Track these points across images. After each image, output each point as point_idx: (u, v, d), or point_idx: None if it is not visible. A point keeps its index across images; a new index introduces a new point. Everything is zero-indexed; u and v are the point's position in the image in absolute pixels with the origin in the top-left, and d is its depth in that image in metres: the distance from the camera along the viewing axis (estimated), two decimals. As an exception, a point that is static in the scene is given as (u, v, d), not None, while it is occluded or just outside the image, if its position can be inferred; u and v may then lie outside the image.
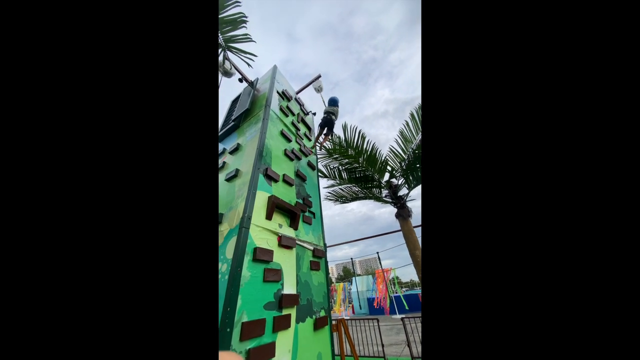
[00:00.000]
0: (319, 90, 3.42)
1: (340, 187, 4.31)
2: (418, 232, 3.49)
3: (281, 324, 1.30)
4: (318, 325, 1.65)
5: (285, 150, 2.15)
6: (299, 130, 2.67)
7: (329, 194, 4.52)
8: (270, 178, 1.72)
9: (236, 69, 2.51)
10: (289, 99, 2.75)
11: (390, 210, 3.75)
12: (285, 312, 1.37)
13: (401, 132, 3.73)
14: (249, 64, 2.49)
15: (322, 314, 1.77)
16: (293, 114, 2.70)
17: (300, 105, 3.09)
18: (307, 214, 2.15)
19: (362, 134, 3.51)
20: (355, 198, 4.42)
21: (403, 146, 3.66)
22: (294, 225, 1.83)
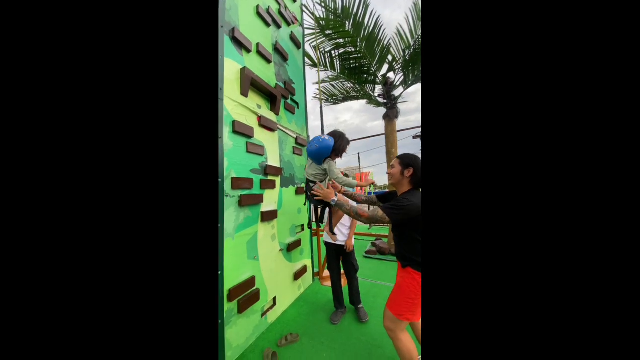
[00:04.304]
0: None
1: (331, 82, 3.82)
2: (399, 135, 3.67)
3: (267, 184, 1.61)
4: (299, 192, 2.09)
5: (258, 7, 1.63)
6: (278, -23, 1.89)
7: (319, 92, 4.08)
8: (241, 45, 1.43)
9: None
10: None
11: (381, 123, 3.65)
12: (270, 178, 1.67)
13: (415, 4, 2.81)
14: None
15: (303, 185, 2.20)
16: (267, -57, 1.79)
17: None
18: (289, 101, 2.04)
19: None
20: (347, 98, 4.09)
21: (413, 26, 2.91)
22: (274, 109, 1.77)
